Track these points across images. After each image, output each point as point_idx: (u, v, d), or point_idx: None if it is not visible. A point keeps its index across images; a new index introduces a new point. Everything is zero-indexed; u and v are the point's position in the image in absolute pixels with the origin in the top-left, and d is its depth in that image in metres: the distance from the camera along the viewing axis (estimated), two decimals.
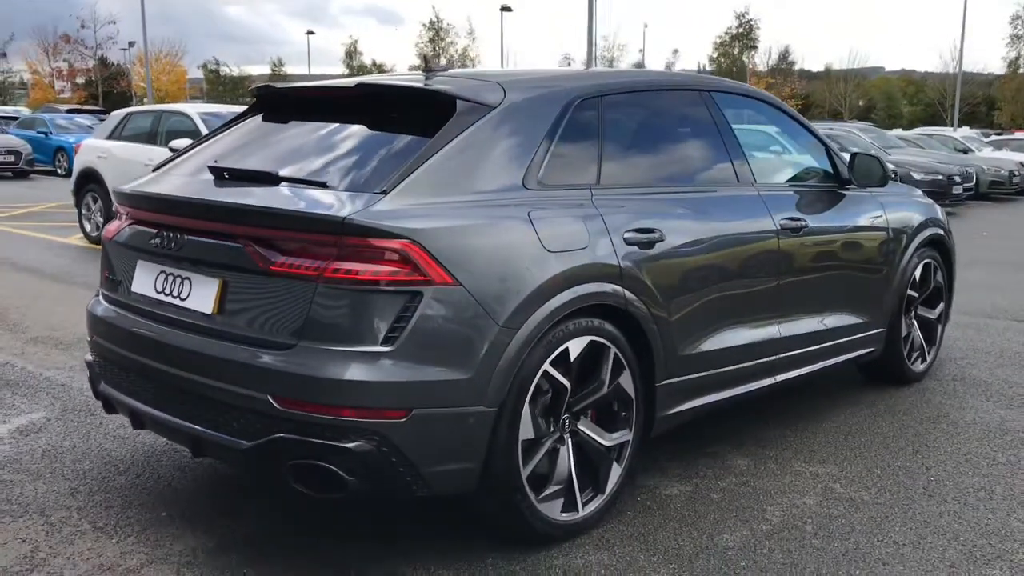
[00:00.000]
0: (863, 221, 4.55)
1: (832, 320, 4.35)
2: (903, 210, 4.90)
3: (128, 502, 3.38)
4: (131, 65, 59.54)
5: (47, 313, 6.59)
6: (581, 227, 3.11)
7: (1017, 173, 20.33)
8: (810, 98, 65.72)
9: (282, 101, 3.63)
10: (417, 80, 3.40)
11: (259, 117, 3.59)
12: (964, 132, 29.62)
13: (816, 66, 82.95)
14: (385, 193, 2.75)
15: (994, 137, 29.41)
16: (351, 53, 71.30)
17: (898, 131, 28.13)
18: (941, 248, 5.20)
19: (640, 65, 67.47)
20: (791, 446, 4.09)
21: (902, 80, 73.77)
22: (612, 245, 3.18)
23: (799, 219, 4.06)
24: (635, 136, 3.68)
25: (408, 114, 3.20)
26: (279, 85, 3.62)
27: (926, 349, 5.17)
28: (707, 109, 3.92)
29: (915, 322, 5.09)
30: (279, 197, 2.87)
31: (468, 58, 67.08)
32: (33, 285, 7.79)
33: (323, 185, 2.88)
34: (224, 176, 3.09)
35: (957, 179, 16.58)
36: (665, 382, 3.44)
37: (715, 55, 69.95)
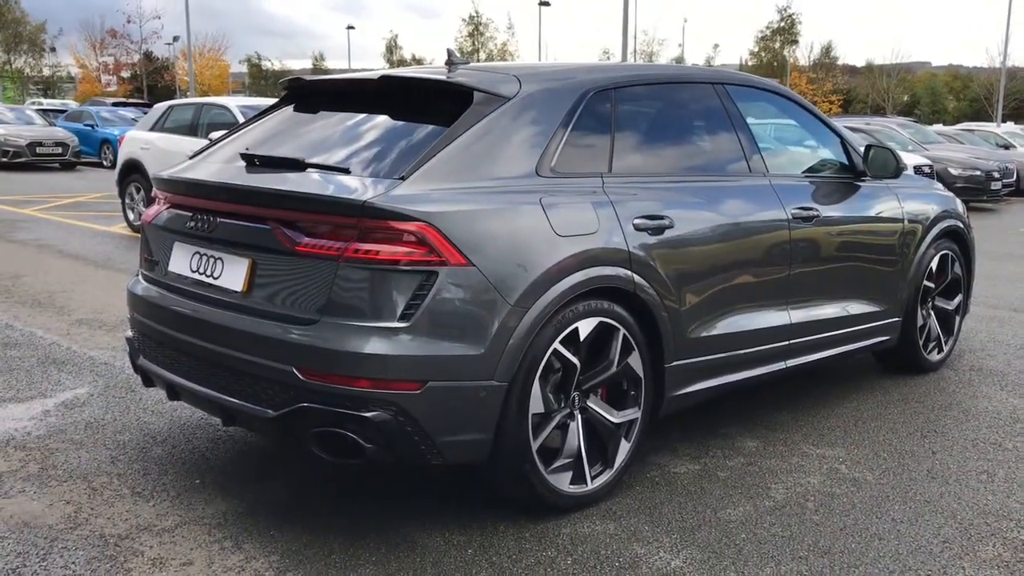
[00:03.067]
0: (878, 212, 4.64)
1: (845, 308, 4.45)
2: (919, 202, 4.97)
3: (164, 470, 3.60)
4: (175, 59, 60.60)
5: (91, 297, 6.88)
6: (592, 213, 3.26)
7: None
8: (851, 93, 64.95)
9: (311, 93, 3.82)
10: (439, 73, 3.56)
11: (290, 108, 3.78)
12: (1007, 128, 29.13)
13: (859, 61, 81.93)
14: (403, 179, 2.92)
15: None
16: (391, 47, 71.84)
17: (939, 126, 27.79)
18: (959, 240, 5.27)
19: (680, 60, 67.11)
20: (801, 430, 4.20)
21: (948, 75, 72.66)
22: (622, 231, 3.32)
23: (812, 209, 4.16)
24: (647, 127, 3.81)
25: (428, 105, 3.37)
26: (308, 77, 3.81)
27: (943, 339, 5.24)
28: (720, 102, 4.04)
29: (932, 313, 5.16)
30: (305, 182, 3.05)
31: (507, 52, 67.20)
32: (78, 271, 8.10)
33: (346, 171, 3.06)
34: (255, 163, 3.28)
35: (996, 175, 16.42)
36: (674, 363, 3.57)
37: (756, 49, 69.34)
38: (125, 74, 61.34)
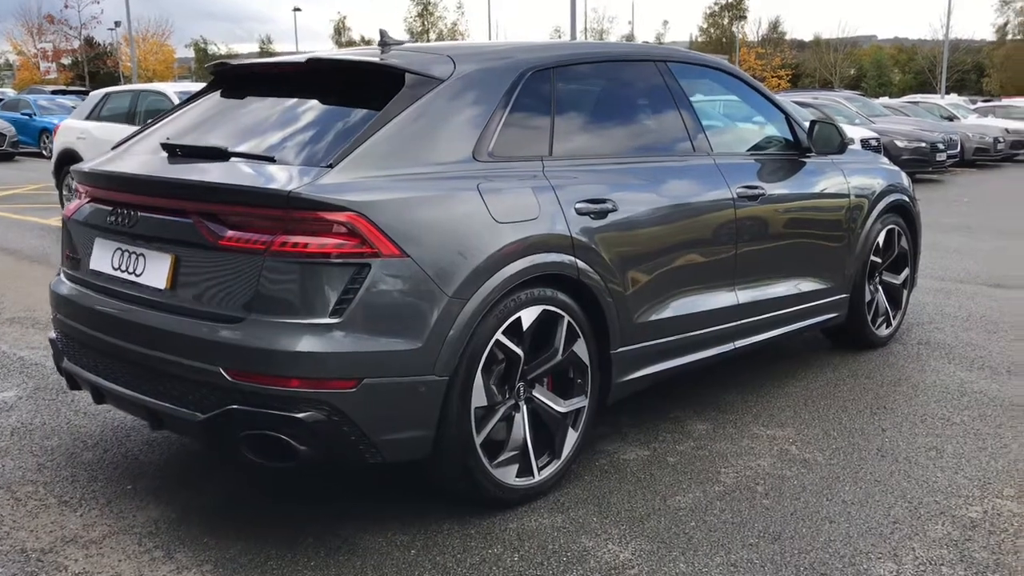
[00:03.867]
0: (823, 188, 4.60)
1: (793, 287, 4.41)
2: (865, 177, 4.94)
3: (94, 476, 3.44)
4: (118, 45, 59.14)
5: (24, 294, 6.63)
6: (532, 199, 3.16)
7: (1002, 140, 20.38)
8: (800, 67, 65.55)
9: (238, 77, 3.65)
10: (371, 55, 3.42)
11: (217, 94, 3.62)
12: (951, 99, 29.61)
13: (806, 36, 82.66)
14: (331, 167, 2.79)
15: (980, 104, 29.40)
16: (339, 29, 70.91)
17: (885, 99, 28.13)
18: (905, 214, 5.26)
19: (630, 38, 67.13)
20: (751, 410, 4.16)
21: (893, 48, 73.65)
22: (564, 216, 3.23)
23: (757, 187, 4.10)
24: (588, 107, 3.72)
25: (358, 88, 3.24)
26: (234, 61, 3.64)
27: (891, 314, 5.24)
28: (662, 79, 3.96)
29: (879, 288, 5.16)
30: (228, 172, 2.91)
31: (458, 33, 66.72)
32: (11, 266, 7.82)
33: (272, 160, 2.92)
34: (177, 153, 3.12)
35: (941, 146, 16.63)
36: (620, 349, 3.50)
37: (705, 26, 69.64)
38: (66, 61, 59.74)
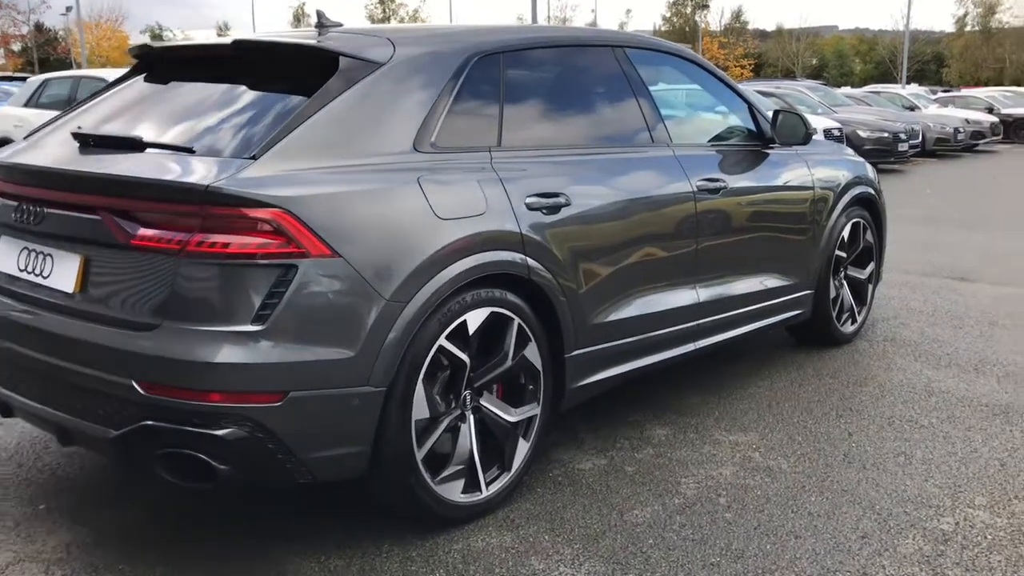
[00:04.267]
0: (787, 180, 4.42)
1: (756, 283, 4.23)
2: (830, 168, 4.78)
3: (5, 494, 3.17)
4: (69, 31, 57.78)
5: None
6: (478, 192, 2.93)
7: (962, 130, 20.49)
8: (763, 57, 65.86)
9: (162, 62, 3.38)
10: (305, 37, 3.17)
11: (140, 79, 3.34)
12: (912, 89, 29.81)
13: (769, 25, 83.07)
14: (255, 158, 2.54)
15: (941, 94, 29.64)
16: (299, 16, 69.89)
17: (847, 89, 28.22)
18: (871, 207, 5.10)
19: (593, 26, 66.97)
20: (713, 413, 3.98)
21: (854, 38, 74.30)
22: (513, 211, 3.01)
23: (718, 180, 3.91)
24: (540, 95, 3.49)
25: (288, 74, 2.99)
26: (158, 44, 3.37)
27: (856, 310, 5.09)
28: (619, 66, 3.74)
29: (844, 283, 5.00)
30: (141, 165, 2.65)
31: (420, 20, 66.08)
32: None
33: (190, 151, 2.66)
34: (89, 143, 2.85)
35: (903, 136, 16.63)
36: (575, 353, 3.29)
37: (668, 15, 69.68)
38: (15, 47, 58.25)
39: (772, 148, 4.38)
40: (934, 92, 31.98)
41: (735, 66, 56.51)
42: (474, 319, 2.88)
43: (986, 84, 47.97)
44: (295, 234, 2.46)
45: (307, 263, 2.48)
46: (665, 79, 4.40)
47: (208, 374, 2.42)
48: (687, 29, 65.25)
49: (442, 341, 2.79)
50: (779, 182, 4.36)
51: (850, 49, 70.63)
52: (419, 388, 2.74)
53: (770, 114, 4.43)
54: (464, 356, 2.87)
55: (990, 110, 25.13)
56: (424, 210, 2.75)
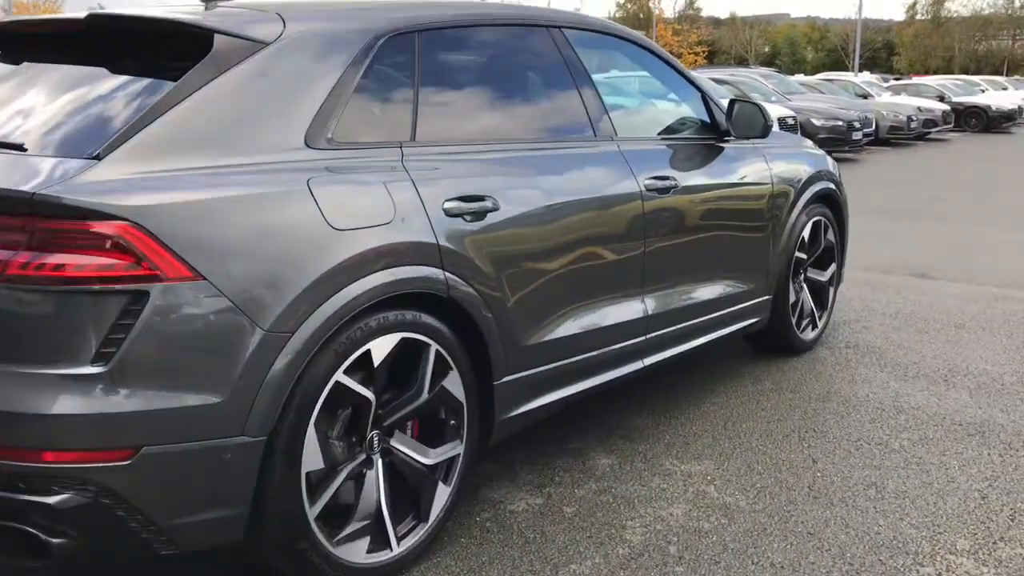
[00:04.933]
0: (743, 177, 4.02)
1: (710, 291, 3.83)
2: (789, 163, 4.39)
3: None
4: (3, 13, 55.79)
5: None
6: (385, 197, 2.48)
7: (915, 118, 20.40)
8: (716, 44, 65.94)
9: (16, 40, 2.86)
10: (186, 12, 2.68)
11: None
12: (864, 77, 29.82)
13: (722, 13, 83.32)
14: (99, 158, 2.06)
15: (893, 82, 29.69)
16: None
17: (800, 76, 28.11)
18: (832, 204, 4.73)
19: None
20: (664, 437, 3.57)
21: (806, 26, 74.72)
22: (428, 218, 2.56)
23: (668, 178, 3.49)
24: (464, 82, 3.04)
25: (151, 55, 2.50)
26: (4, 20, 2.85)
27: (817, 315, 4.73)
28: (558, 50, 3.30)
29: (804, 286, 4.63)
30: None
31: None
32: None
33: (21, 149, 2.17)
34: None
35: (857, 125, 16.42)
36: (506, 379, 2.86)
37: (622, 1, 69.43)
38: None
39: (727, 141, 3.98)
40: (886, 80, 32.06)
41: (689, 53, 56.42)
42: (380, 348, 2.44)
43: (935, 72, 48.46)
44: (146, 252, 1.99)
45: (162, 288, 2.01)
46: (610, 65, 3.98)
47: (37, 428, 1.95)
48: (641, 16, 65.04)
49: (340, 376, 2.34)
50: (735, 179, 3.96)
51: (802, 37, 71.03)
52: (311, 434, 2.29)
53: (725, 104, 4.02)
54: (368, 393, 2.42)
55: (941, 98, 25.17)
56: (315, 219, 2.28)
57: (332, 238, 2.30)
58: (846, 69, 47.20)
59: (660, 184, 3.44)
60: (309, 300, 2.22)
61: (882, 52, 61.20)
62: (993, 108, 25.09)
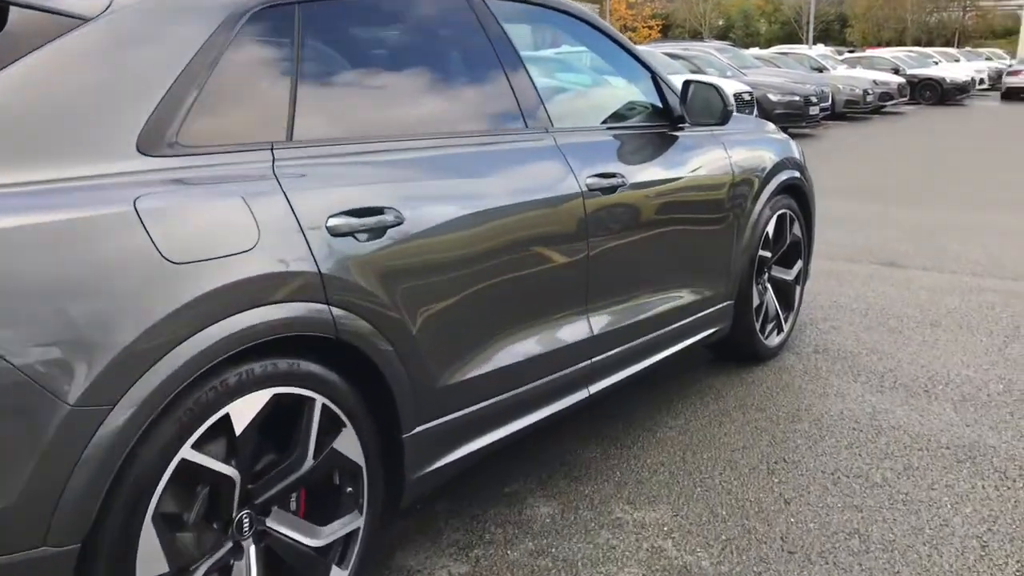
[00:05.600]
0: (701, 169, 3.52)
1: (664, 301, 3.34)
2: (751, 150, 3.91)
3: None
4: None
5: None
6: (244, 216, 1.93)
7: (871, 91, 20.15)
8: (670, 18, 65.49)
9: None
10: None
11: None
12: (819, 50, 29.56)
13: None
14: None
15: (847, 55, 29.48)
16: None
17: (755, 50, 27.76)
18: (798, 194, 4.27)
19: None
20: (614, 475, 3.09)
21: None
22: (306, 240, 2.02)
23: (614, 174, 2.99)
24: (358, 63, 2.47)
25: None
26: None
27: (782, 317, 4.27)
28: (479, 23, 2.76)
29: (768, 287, 4.17)
30: None
31: None
32: None
33: None
34: None
35: (814, 99, 16.08)
36: (418, 430, 2.34)
37: None
38: None
39: (682, 129, 3.48)
40: (840, 53, 31.86)
41: (644, 27, 55.86)
42: (244, 410, 1.91)
43: (888, 44, 48.51)
44: None
45: None
46: (543, 42, 3.45)
47: None
48: None
49: (186, 453, 1.81)
50: (691, 172, 3.46)
51: (756, 10, 70.82)
52: (147, 531, 1.75)
53: (679, 85, 3.51)
54: (229, 469, 1.89)
55: (896, 71, 25.00)
56: (144, 253, 1.74)
57: (168, 276, 1.76)
58: (800, 42, 46.98)
59: (604, 182, 2.93)
60: (135, 360, 1.68)
61: (835, 24, 61.20)
62: (947, 80, 25.01)
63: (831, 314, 4.95)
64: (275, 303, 1.94)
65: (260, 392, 1.94)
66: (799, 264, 4.36)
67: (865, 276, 5.80)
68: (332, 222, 2.08)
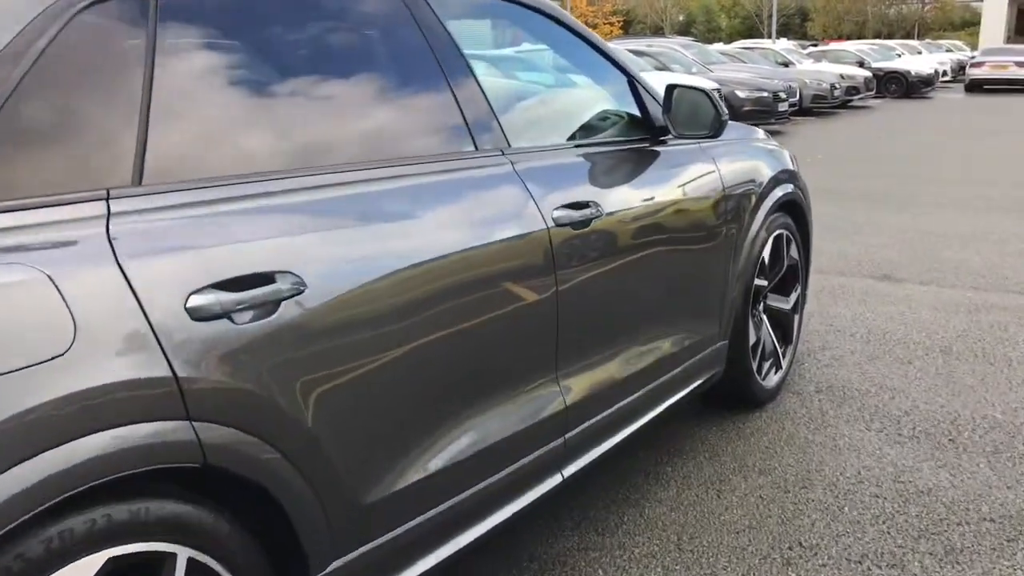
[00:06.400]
0: (688, 190, 2.94)
1: (649, 353, 2.76)
2: (743, 163, 3.35)
3: None
4: None
5: None
6: (50, 304, 1.32)
7: (838, 86, 19.78)
8: (631, 14, 65.19)
9: None
10: None
11: None
12: (783, 44, 29.23)
13: None
14: None
15: (812, 49, 29.19)
16: None
17: (719, 45, 27.35)
18: (795, 211, 3.72)
19: None
20: (595, 574, 2.50)
21: None
22: (153, 332, 1.41)
23: (586, 204, 2.40)
24: (239, 74, 1.84)
25: None
26: None
27: (780, 351, 3.71)
28: (411, 19, 2.15)
29: (765, 318, 3.61)
30: None
31: None
32: None
33: None
34: None
35: (782, 95, 15.62)
36: (336, 566, 1.74)
37: None
38: None
39: (664, 143, 2.90)
40: (804, 47, 31.57)
41: (604, 23, 55.44)
42: None
43: (848, 38, 48.45)
44: None
45: None
46: (505, 39, 2.85)
47: None
48: None
49: None
50: (677, 194, 2.88)
51: (716, 4, 70.70)
52: None
53: (660, 89, 2.93)
54: None
55: (860, 64, 24.70)
56: None
57: None
58: (761, 36, 46.78)
59: (575, 215, 2.34)
60: None
61: (795, 18, 61.12)
62: (912, 73, 24.76)
63: (829, 341, 4.40)
64: (104, 430, 1.33)
65: (88, 558, 1.33)
66: (797, 290, 3.81)
67: (860, 292, 5.27)
68: (195, 301, 1.47)
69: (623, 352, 2.63)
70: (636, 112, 2.90)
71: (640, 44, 18.05)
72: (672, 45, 18.45)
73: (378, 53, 2.14)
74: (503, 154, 2.25)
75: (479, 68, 2.34)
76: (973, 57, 29.13)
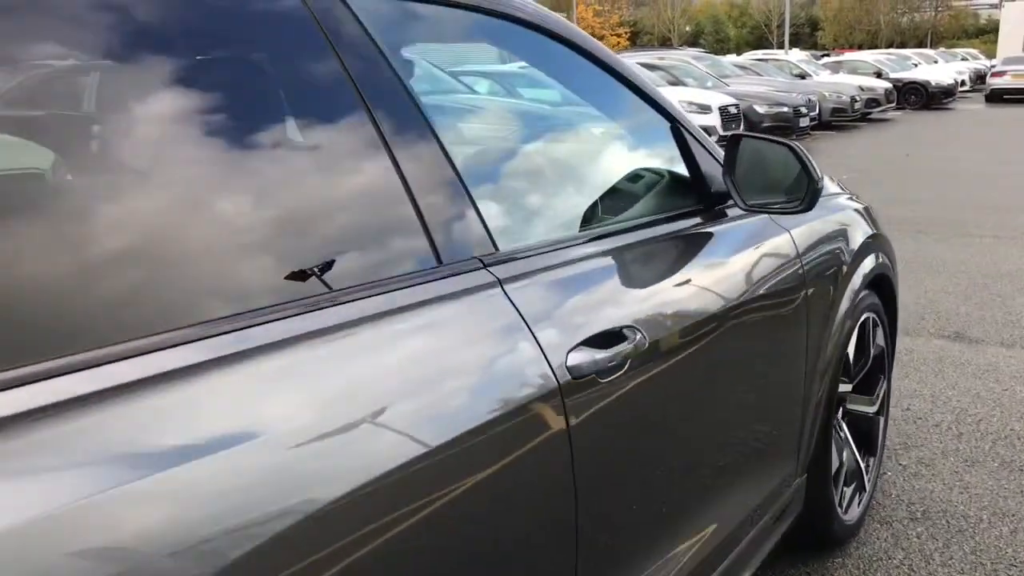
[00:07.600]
0: (757, 283, 2.03)
1: (710, 533, 1.87)
2: (824, 229, 2.46)
3: None
4: None
5: None
6: None
7: (858, 98, 18.89)
8: (638, 25, 64.58)
9: None
10: None
11: None
12: (796, 55, 28.38)
13: None
14: None
15: (827, 59, 28.31)
16: None
17: (732, 57, 26.51)
18: (884, 287, 2.84)
19: None
20: None
21: (725, 4, 73.77)
22: None
23: (619, 333, 1.51)
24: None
25: None
26: None
27: (864, 469, 2.82)
28: (330, 46, 1.28)
29: (846, 430, 2.73)
30: None
31: None
32: None
33: None
34: None
35: (803, 110, 14.79)
36: None
37: None
38: None
39: (722, 220, 2.02)
40: (817, 56, 30.72)
41: (611, 35, 54.75)
42: None
43: (860, 47, 47.64)
44: None
45: None
46: (483, 75, 1.99)
47: None
48: None
49: None
50: (744, 293, 1.98)
51: (723, 14, 70.03)
52: None
53: (713, 140, 2.05)
54: None
55: (878, 75, 23.84)
56: None
57: None
58: (770, 46, 45.95)
59: (603, 356, 1.45)
60: None
61: (805, 27, 60.36)
62: (933, 84, 23.87)
63: (912, 436, 3.50)
64: None
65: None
66: (882, 385, 2.92)
67: (932, 360, 4.37)
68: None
69: (674, 541, 1.74)
70: (683, 171, 2.01)
71: (650, 57, 17.23)
72: (684, 58, 17.61)
73: (287, 114, 1.26)
74: (483, 267, 1.37)
75: (445, 115, 1.47)
76: (993, 66, 28.24)
